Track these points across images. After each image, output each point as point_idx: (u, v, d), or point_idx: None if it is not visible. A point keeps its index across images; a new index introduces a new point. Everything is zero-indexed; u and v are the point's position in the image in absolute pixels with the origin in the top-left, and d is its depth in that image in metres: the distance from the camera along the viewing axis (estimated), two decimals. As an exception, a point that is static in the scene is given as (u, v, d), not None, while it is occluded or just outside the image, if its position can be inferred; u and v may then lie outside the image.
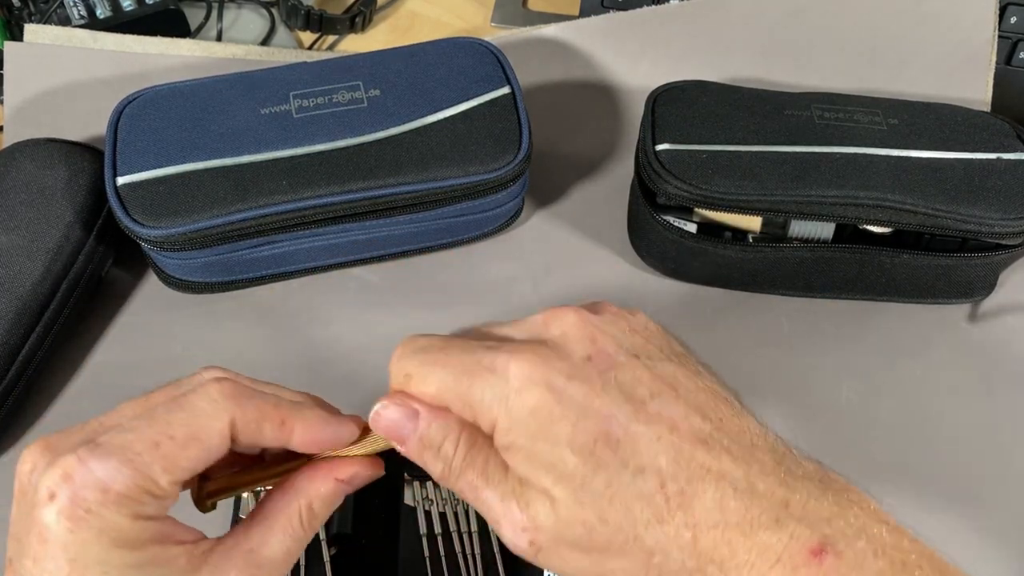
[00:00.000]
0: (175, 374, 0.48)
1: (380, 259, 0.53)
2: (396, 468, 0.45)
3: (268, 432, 0.30)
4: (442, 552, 0.42)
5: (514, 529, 0.28)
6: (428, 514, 0.43)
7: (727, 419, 0.29)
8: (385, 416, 0.30)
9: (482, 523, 0.43)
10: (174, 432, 0.28)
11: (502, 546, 0.41)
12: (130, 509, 0.26)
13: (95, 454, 0.26)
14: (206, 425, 0.28)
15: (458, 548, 0.42)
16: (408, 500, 0.43)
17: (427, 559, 0.42)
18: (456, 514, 0.43)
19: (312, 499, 0.31)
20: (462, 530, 0.42)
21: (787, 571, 0.26)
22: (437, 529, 0.42)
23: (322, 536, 0.42)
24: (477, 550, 0.42)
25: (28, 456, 0.28)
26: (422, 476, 0.44)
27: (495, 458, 0.29)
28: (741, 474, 0.28)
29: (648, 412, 0.28)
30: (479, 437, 0.30)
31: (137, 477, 0.26)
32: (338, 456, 0.32)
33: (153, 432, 0.27)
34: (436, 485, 0.44)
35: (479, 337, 0.32)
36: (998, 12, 0.57)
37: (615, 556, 0.28)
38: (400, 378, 0.31)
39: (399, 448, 0.31)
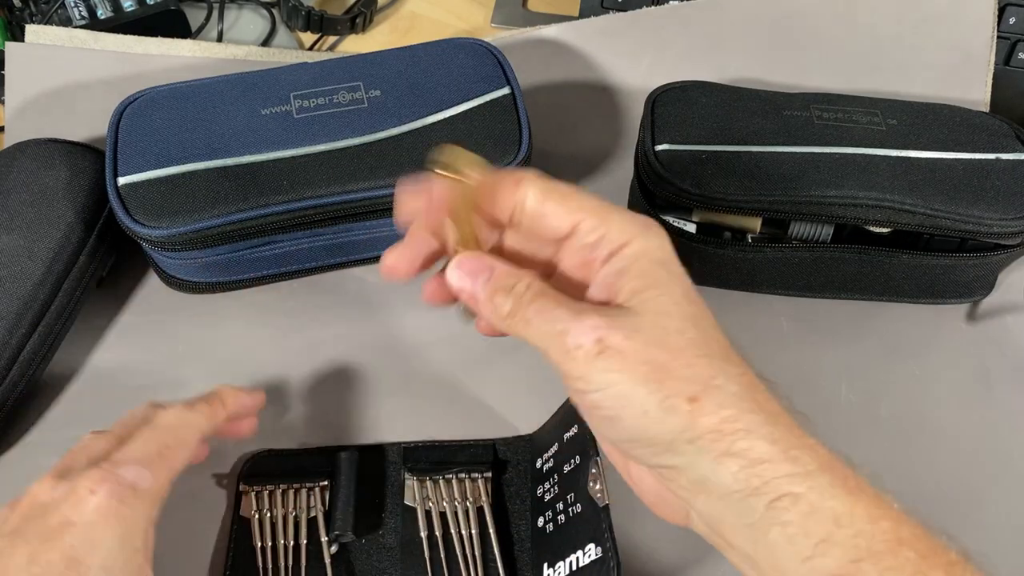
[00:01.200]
0: (175, 374, 0.49)
1: (380, 259, 0.52)
2: (397, 468, 0.45)
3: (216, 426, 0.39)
4: (442, 554, 0.42)
5: (582, 330, 0.29)
6: (428, 514, 0.43)
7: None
8: (463, 262, 0.32)
9: (482, 524, 0.43)
10: (171, 444, 0.36)
11: (502, 547, 0.42)
12: (151, 504, 0.34)
13: (124, 463, 0.34)
14: (187, 437, 0.37)
15: (458, 550, 0.42)
16: (409, 500, 0.44)
17: (427, 560, 0.42)
18: (456, 514, 0.43)
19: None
20: (463, 532, 0.42)
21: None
22: (438, 530, 0.42)
23: (322, 537, 0.42)
24: (478, 552, 0.42)
25: (45, 482, 0.35)
26: (423, 475, 0.44)
27: (567, 295, 0.31)
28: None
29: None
30: (549, 286, 0.31)
31: (157, 478, 0.35)
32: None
33: (156, 446, 0.36)
34: (436, 485, 0.44)
35: None
36: (997, 13, 0.58)
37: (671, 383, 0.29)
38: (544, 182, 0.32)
39: (467, 290, 0.32)
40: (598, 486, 0.38)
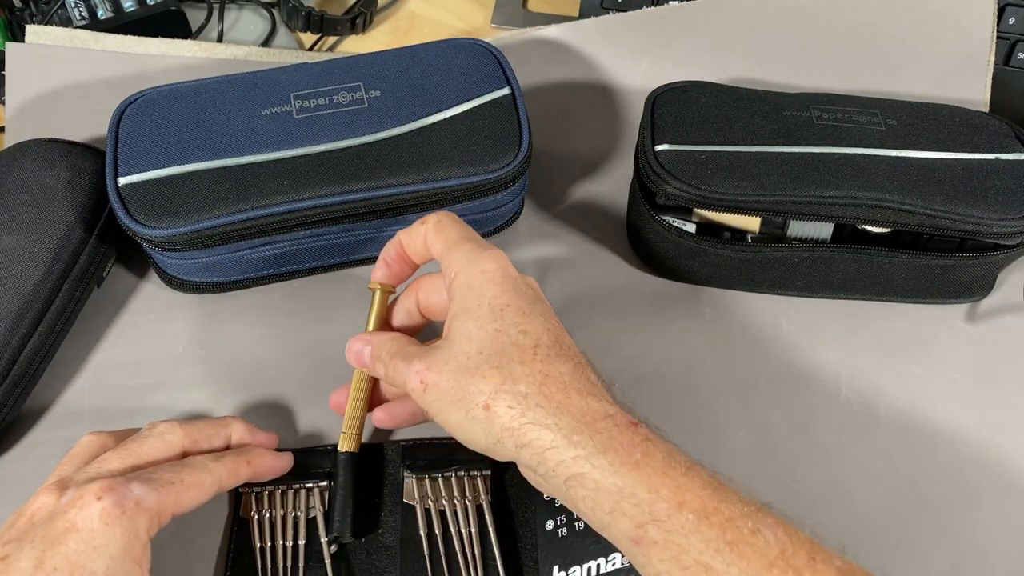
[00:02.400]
0: (176, 374, 0.49)
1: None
2: (396, 467, 0.45)
3: (241, 479, 0.41)
4: (442, 552, 0.42)
5: (411, 376, 0.38)
6: (428, 512, 0.43)
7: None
8: (350, 348, 0.43)
9: (482, 523, 0.43)
10: (185, 479, 0.37)
11: (502, 546, 0.42)
12: (149, 523, 0.35)
13: (134, 479, 0.36)
14: (204, 479, 0.38)
15: (458, 548, 0.42)
16: (408, 499, 0.44)
17: (427, 558, 0.42)
18: (456, 512, 0.43)
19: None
20: (462, 530, 0.42)
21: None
22: (437, 528, 0.42)
23: (322, 537, 0.42)
24: (477, 550, 0.42)
25: (52, 489, 0.36)
26: (422, 473, 0.44)
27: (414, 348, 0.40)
28: (586, 367, 0.37)
29: (547, 319, 0.38)
30: (404, 344, 0.41)
31: (160, 502, 0.36)
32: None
33: (170, 475, 0.37)
34: (435, 482, 0.44)
35: None
36: (996, 13, 0.58)
37: (477, 380, 0.36)
38: (431, 222, 0.41)
39: (367, 369, 0.43)
40: None
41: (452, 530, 0.42)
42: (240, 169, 0.46)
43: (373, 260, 0.52)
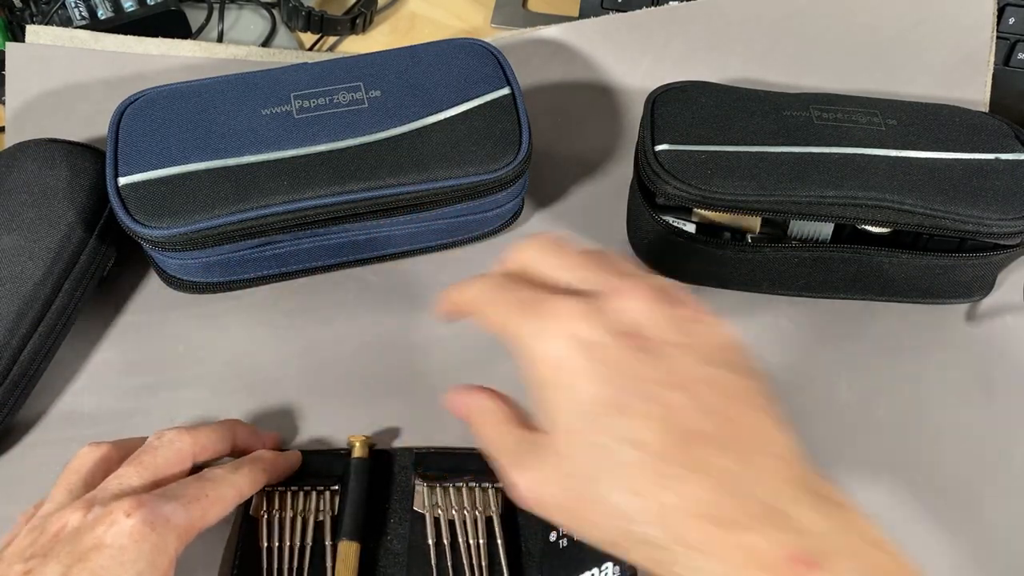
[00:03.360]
0: (176, 374, 0.49)
1: (380, 259, 0.53)
2: (408, 474, 0.44)
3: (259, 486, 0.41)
4: (449, 562, 0.42)
5: (508, 478, 0.31)
6: (437, 522, 0.43)
7: (740, 419, 0.30)
8: (452, 400, 0.37)
9: (490, 534, 0.42)
10: (210, 494, 0.37)
11: (509, 559, 0.41)
12: (178, 540, 0.35)
13: (162, 496, 0.36)
14: (228, 493, 0.38)
15: (465, 560, 0.42)
16: (418, 507, 0.43)
17: (434, 567, 0.41)
18: (465, 523, 0.42)
19: None
20: (471, 541, 0.42)
21: (762, 574, 0.26)
22: (446, 538, 0.42)
23: (327, 541, 0.42)
24: (484, 563, 0.41)
25: (78, 508, 0.35)
26: (433, 482, 0.44)
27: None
28: (737, 472, 0.28)
29: (659, 399, 0.29)
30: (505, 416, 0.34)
31: (188, 519, 0.36)
32: None
33: (195, 491, 0.37)
34: (446, 492, 0.43)
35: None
36: (996, 13, 0.58)
37: (588, 509, 0.29)
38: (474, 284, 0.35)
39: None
40: None
41: (461, 541, 0.42)
42: (240, 169, 0.46)
43: (373, 260, 0.53)
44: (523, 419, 0.33)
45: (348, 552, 0.41)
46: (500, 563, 0.41)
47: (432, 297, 0.52)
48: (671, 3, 0.60)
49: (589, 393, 0.29)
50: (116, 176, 0.47)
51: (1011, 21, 0.59)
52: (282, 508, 0.43)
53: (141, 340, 0.50)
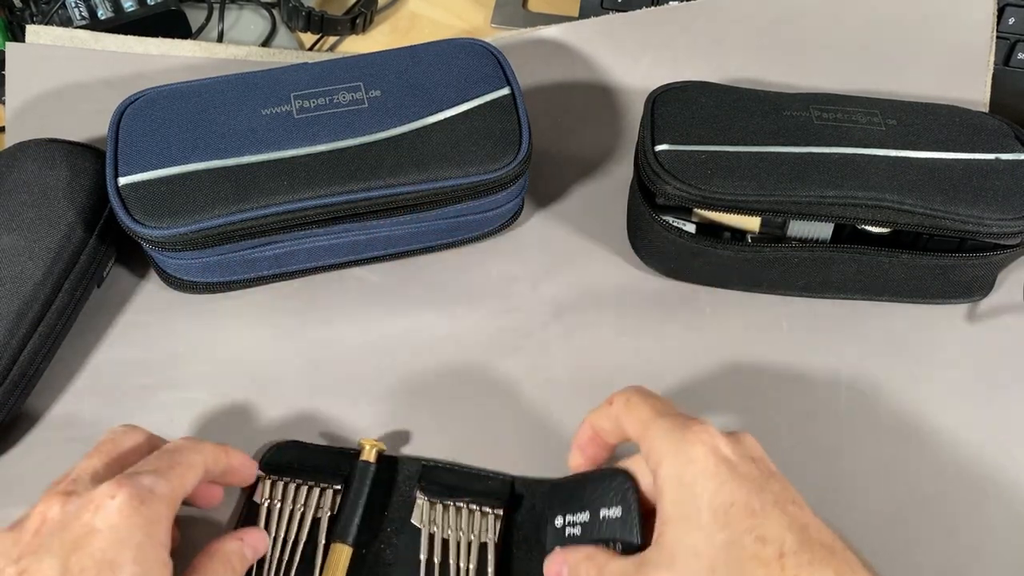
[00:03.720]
0: (176, 373, 0.49)
1: (380, 259, 0.53)
2: (411, 484, 0.44)
3: (221, 466, 0.41)
4: None
5: None
6: (432, 538, 0.42)
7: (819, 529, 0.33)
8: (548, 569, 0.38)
9: (481, 560, 0.42)
10: (181, 461, 0.38)
11: None
12: (168, 507, 0.36)
13: (137, 473, 0.36)
14: (196, 459, 0.39)
15: None
16: (416, 520, 0.43)
17: None
18: (459, 544, 0.42)
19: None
20: (461, 564, 0.41)
21: None
22: (437, 556, 0.42)
23: (320, 540, 0.42)
24: None
25: (53, 501, 0.35)
26: (435, 498, 0.43)
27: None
28: (848, 569, 0.31)
29: (784, 507, 0.33)
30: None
31: (170, 486, 0.36)
32: None
33: (167, 461, 0.38)
34: (446, 510, 0.43)
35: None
36: (996, 13, 0.58)
37: None
38: (619, 402, 0.38)
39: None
40: None
41: (451, 562, 0.42)
42: (240, 169, 0.46)
43: (373, 260, 0.53)
44: (614, 551, 0.36)
45: (340, 555, 0.41)
46: None
47: (432, 296, 0.53)
48: (671, 3, 0.60)
49: (710, 518, 0.32)
50: (116, 176, 0.47)
51: (1011, 21, 0.59)
52: (284, 499, 0.43)
53: (141, 340, 0.50)
